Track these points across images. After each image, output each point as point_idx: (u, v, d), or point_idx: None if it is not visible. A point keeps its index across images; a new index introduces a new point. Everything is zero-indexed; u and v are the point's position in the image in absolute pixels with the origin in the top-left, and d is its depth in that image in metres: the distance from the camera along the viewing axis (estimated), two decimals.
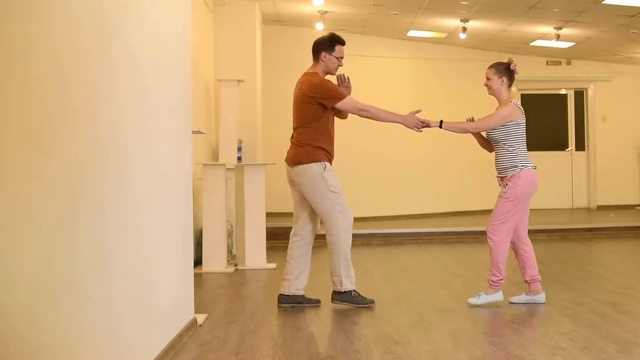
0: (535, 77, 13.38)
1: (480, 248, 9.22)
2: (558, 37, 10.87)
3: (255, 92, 9.72)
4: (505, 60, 5.69)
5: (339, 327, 4.97)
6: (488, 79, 5.60)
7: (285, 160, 5.64)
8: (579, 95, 13.93)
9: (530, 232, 10.25)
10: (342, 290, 5.52)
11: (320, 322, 5.13)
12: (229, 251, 7.95)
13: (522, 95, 13.44)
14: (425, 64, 12.65)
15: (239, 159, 8.75)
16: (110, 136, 3.21)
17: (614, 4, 9.04)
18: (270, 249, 8.03)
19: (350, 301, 5.51)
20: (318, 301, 5.65)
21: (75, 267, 2.86)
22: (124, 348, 3.34)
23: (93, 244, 3.01)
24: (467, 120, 5.75)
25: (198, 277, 6.46)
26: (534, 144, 14.23)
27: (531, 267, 5.61)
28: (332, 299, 5.56)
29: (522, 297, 5.61)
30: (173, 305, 4.33)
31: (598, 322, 4.91)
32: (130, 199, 3.47)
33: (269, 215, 8.24)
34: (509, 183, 5.49)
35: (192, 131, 5.06)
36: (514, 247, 5.66)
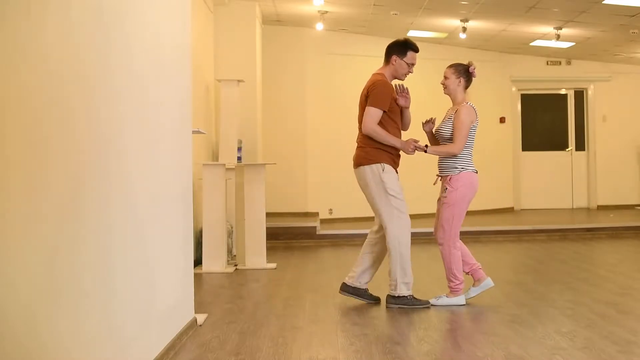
0: (535, 77, 13.38)
1: (479, 248, 9.21)
2: (558, 37, 10.87)
3: (255, 92, 9.71)
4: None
5: (339, 327, 4.97)
6: (446, 78, 5.63)
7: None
8: (579, 95, 13.93)
9: (529, 232, 10.40)
10: (396, 295, 5.50)
11: (320, 322, 5.13)
12: (229, 251, 7.95)
13: (522, 95, 13.44)
14: (425, 64, 12.62)
15: (239, 159, 8.75)
16: (110, 136, 3.21)
17: (614, 4, 9.04)
18: (270, 249, 8.03)
19: (405, 303, 5.49)
20: (378, 299, 5.66)
21: (76, 267, 2.86)
22: (124, 348, 3.34)
23: (93, 244, 3.01)
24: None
25: (198, 277, 6.47)
26: (534, 144, 14.41)
27: (465, 259, 5.64)
28: (386, 302, 5.56)
29: (473, 290, 5.64)
30: (173, 305, 4.33)
31: (598, 322, 4.91)
32: (130, 199, 3.47)
33: (269, 215, 8.24)
34: (447, 187, 5.51)
35: (192, 131, 5.06)
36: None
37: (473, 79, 5.66)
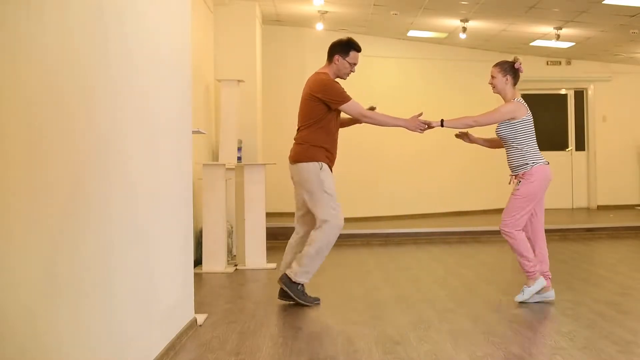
0: (535, 77, 13.35)
1: (480, 248, 9.22)
2: (558, 37, 10.87)
3: (255, 92, 9.72)
4: (508, 59, 5.71)
5: (339, 327, 4.97)
6: (493, 77, 5.64)
7: (288, 158, 5.69)
8: (579, 95, 13.93)
9: None
10: (293, 280, 5.55)
11: (320, 322, 5.13)
12: (229, 251, 7.95)
13: (522, 95, 13.33)
14: (425, 64, 12.65)
15: (239, 159, 8.75)
16: (110, 137, 3.21)
17: (614, 4, 9.04)
18: (270, 249, 8.03)
19: (295, 294, 5.55)
20: (317, 299, 5.68)
21: (76, 267, 2.86)
22: (124, 348, 3.34)
23: (93, 244, 3.01)
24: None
25: (198, 277, 6.47)
26: None
27: (542, 263, 5.65)
28: (281, 279, 5.61)
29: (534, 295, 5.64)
30: (173, 305, 4.33)
31: (598, 322, 4.91)
32: (130, 199, 3.47)
33: (269, 215, 8.24)
34: (522, 180, 5.52)
35: (192, 131, 5.06)
36: (530, 243, 5.68)
37: (520, 74, 5.67)
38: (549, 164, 5.64)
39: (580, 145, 13.91)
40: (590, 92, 13.83)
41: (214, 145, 9.16)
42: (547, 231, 10.16)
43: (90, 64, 3.03)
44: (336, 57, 5.66)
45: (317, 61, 11.53)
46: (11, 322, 2.54)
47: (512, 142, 5.57)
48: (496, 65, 5.68)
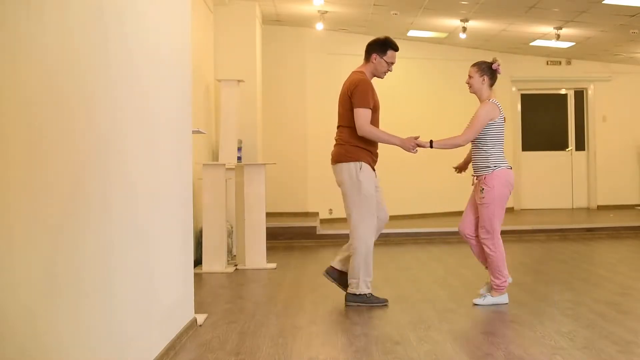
0: (535, 77, 13.38)
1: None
2: (558, 37, 10.87)
3: (255, 92, 9.72)
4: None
5: (339, 327, 4.97)
6: (470, 76, 5.65)
7: (330, 160, 5.70)
8: (579, 95, 13.93)
9: (529, 232, 10.40)
10: (357, 293, 5.55)
11: (320, 322, 5.13)
12: (229, 251, 7.95)
13: (522, 95, 13.44)
14: (425, 64, 12.65)
15: (239, 159, 8.75)
16: (110, 137, 3.21)
17: (614, 4, 9.04)
18: (270, 249, 8.03)
19: (364, 301, 5.55)
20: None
21: (76, 267, 2.86)
22: (124, 348, 3.34)
23: (93, 244, 3.01)
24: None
25: (198, 277, 6.47)
26: (534, 144, 14.40)
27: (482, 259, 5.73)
28: (346, 300, 5.60)
29: (482, 291, 5.67)
30: (173, 305, 4.33)
31: (598, 322, 4.91)
32: (130, 199, 3.47)
33: (269, 215, 8.24)
34: (484, 188, 5.51)
35: (192, 131, 5.06)
36: (465, 238, 5.76)
37: (498, 75, 5.65)
38: (511, 168, 5.63)
39: (580, 145, 13.90)
40: (590, 92, 13.83)
41: (214, 145, 9.17)
42: (546, 231, 10.33)
43: (90, 64, 3.03)
44: (374, 55, 5.67)
45: (317, 61, 11.67)
46: (11, 322, 2.54)
47: (479, 142, 5.55)
48: (474, 65, 5.68)
